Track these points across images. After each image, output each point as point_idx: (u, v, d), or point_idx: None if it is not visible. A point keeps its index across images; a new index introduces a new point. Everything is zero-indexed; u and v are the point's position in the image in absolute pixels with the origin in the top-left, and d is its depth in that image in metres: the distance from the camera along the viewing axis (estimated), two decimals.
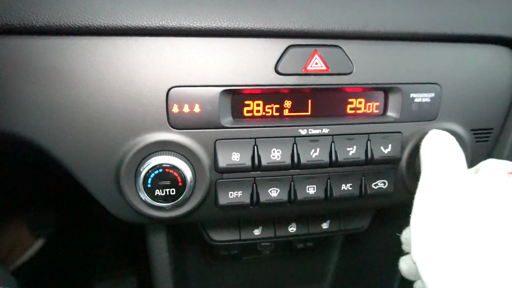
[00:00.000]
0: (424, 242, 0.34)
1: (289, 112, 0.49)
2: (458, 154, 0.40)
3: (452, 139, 0.43)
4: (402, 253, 0.76)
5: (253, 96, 0.48)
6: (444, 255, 0.31)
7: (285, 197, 0.50)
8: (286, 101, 0.49)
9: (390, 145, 0.51)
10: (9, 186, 0.96)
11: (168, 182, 0.45)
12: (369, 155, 0.51)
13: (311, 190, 0.51)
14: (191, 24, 0.43)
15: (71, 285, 1.13)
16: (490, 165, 0.39)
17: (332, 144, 0.50)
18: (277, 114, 0.49)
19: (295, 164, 0.49)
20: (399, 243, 0.77)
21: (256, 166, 0.48)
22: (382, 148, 0.51)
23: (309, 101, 0.50)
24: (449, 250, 0.31)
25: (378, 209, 0.69)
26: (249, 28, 0.44)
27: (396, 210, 0.74)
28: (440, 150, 0.41)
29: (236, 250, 0.75)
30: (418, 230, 0.35)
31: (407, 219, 0.67)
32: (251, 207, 0.50)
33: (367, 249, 0.83)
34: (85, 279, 1.17)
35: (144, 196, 0.45)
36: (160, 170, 0.44)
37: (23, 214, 1.11)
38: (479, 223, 0.31)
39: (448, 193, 0.35)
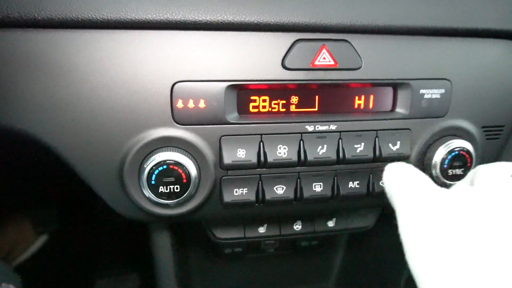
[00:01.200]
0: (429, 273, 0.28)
1: (296, 108, 0.48)
2: (424, 178, 0.35)
3: (410, 166, 0.37)
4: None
5: (259, 91, 0.47)
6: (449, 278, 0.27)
7: (291, 195, 0.49)
8: (293, 96, 0.48)
9: (398, 142, 0.50)
10: (12, 184, 0.96)
11: (172, 179, 0.44)
12: (377, 152, 0.50)
13: (318, 187, 0.50)
14: (196, 18, 0.42)
15: (73, 282, 1.13)
16: (487, 170, 0.33)
17: (340, 141, 0.49)
18: (284, 110, 0.48)
19: (302, 161, 0.48)
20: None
21: (262, 163, 0.47)
22: (390, 145, 0.50)
23: (317, 96, 0.49)
24: (454, 269, 0.27)
25: (384, 208, 0.68)
26: (255, 22, 0.43)
27: None
28: (406, 177, 0.35)
29: (240, 248, 0.75)
30: (420, 265, 0.29)
31: None
32: (257, 204, 0.49)
33: (372, 248, 0.82)
34: (87, 276, 1.17)
35: (148, 193, 0.44)
36: (164, 167, 0.44)
37: (25, 211, 1.10)
38: (484, 239, 0.27)
39: (442, 212, 0.29)
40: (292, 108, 0.48)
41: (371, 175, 0.51)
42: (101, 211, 1.00)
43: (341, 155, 0.49)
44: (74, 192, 1.07)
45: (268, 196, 0.49)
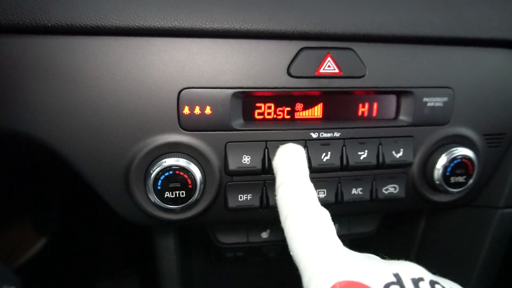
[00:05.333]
0: None
1: (301, 115, 0.49)
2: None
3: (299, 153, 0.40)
4: (408, 257, 0.76)
5: (265, 98, 0.47)
6: None
7: None
8: (298, 104, 0.48)
9: (401, 150, 0.51)
10: (14, 184, 0.96)
11: (178, 184, 0.44)
12: (381, 159, 0.50)
13: (321, 194, 0.50)
14: (203, 25, 0.43)
15: (73, 284, 1.13)
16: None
17: (343, 148, 0.49)
18: (289, 117, 0.49)
19: None
20: (405, 247, 0.77)
21: (266, 169, 0.47)
22: (393, 152, 0.51)
23: (321, 104, 0.49)
24: None
25: (386, 214, 0.68)
26: (261, 30, 0.44)
27: (403, 215, 0.73)
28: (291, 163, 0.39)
29: (242, 252, 0.75)
30: None
31: (415, 224, 0.66)
32: (261, 210, 0.50)
33: (374, 253, 0.82)
34: (88, 278, 1.17)
35: (153, 198, 0.45)
36: (170, 172, 0.44)
37: (26, 212, 1.11)
38: None
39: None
40: (297, 115, 0.49)
41: (374, 181, 0.52)
42: (102, 213, 1.00)
43: (344, 162, 0.49)
44: (75, 193, 1.08)
45: (272, 202, 0.49)
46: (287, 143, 0.47)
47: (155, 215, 0.47)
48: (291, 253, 0.32)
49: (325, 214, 0.34)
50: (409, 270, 0.27)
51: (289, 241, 0.33)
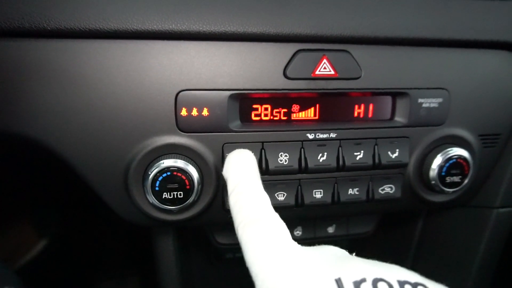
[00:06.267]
0: None
1: (297, 116, 0.49)
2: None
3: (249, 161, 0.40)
4: (406, 258, 0.76)
5: (261, 100, 0.48)
6: None
7: (292, 201, 0.50)
8: (294, 105, 0.49)
9: (397, 150, 0.51)
10: (15, 186, 0.97)
11: (176, 185, 0.45)
12: (377, 160, 0.51)
13: (318, 194, 0.51)
14: (200, 28, 0.43)
15: (74, 284, 1.14)
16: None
17: (340, 148, 0.50)
18: (285, 118, 0.49)
19: (303, 168, 0.49)
20: (403, 248, 0.77)
21: (264, 170, 0.48)
22: (389, 153, 0.51)
23: (317, 105, 0.50)
24: None
25: (384, 214, 0.69)
26: (258, 32, 0.45)
27: (401, 215, 0.74)
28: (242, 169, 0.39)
29: (241, 253, 0.75)
30: None
31: (412, 224, 0.67)
32: None
33: (372, 254, 0.82)
34: (88, 278, 1.18)
35: (152, 199, 0.45)
36: (168, 173, 0.45)
37: (27, 213, 1.11)
38: None
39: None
40: (293, 116, 0.49)
41: (370, 182, 0.52)
42: (102, 214, 1.01)
43: (341, 162, 0.49)
44: (76, 195, 1.08)
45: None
46: (283, 143, 0.48)
47: (154, 216, 0.48)
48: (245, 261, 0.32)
49: (277, 219, 0.34)
50: (352, 271, 0.27)
51: (242, 250, 0.33)
